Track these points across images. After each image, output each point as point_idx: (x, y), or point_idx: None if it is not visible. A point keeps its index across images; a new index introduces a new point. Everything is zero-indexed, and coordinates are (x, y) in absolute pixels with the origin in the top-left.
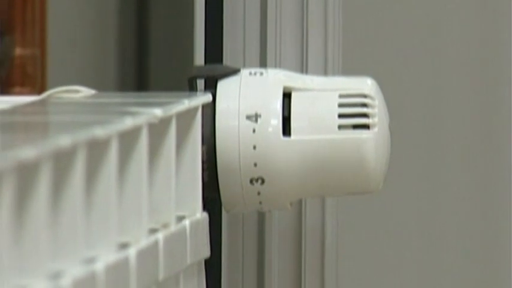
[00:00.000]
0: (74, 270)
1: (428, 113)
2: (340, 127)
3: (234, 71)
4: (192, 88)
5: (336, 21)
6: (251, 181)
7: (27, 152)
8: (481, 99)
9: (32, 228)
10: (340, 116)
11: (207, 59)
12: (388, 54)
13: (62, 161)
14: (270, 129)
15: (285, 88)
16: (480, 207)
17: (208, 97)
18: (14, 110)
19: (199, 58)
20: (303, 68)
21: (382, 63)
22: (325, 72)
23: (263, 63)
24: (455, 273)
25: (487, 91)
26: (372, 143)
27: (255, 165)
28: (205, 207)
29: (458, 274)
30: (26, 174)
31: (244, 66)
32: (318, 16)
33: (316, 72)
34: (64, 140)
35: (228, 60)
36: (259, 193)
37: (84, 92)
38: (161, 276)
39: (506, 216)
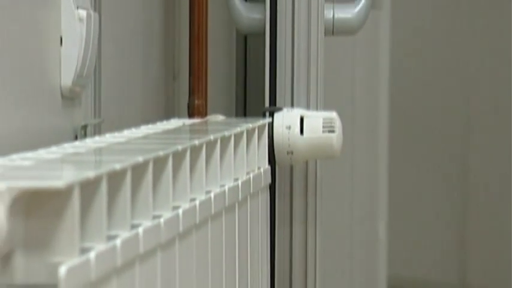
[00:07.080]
0: (186, 206)
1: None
2: (323, 131)
3: (280, 109)
4: (264, 116)
5: (320, 88)
6: (287, 153)
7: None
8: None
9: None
10: (323, 127)
11: (270, 103)
12: (345, 100)
13: (210, 148)
14: (295, 132)
15: (301, 115)
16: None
17: (270, 120)
18: (194, 124)
19: (267, 102)
20: (308, 107)
21: (340, 104)
22: (317, 109)
23: (292, 105)
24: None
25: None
26: (335, 138)
27: (289, 146)
28: (269, 163)
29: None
30: (158, 165)
31: (284, 106)
32: (313, 86)
33: (313, 109)
34: (212, 135)
35: (278, 103)
36: (290, 158)
37: (221, 117)
38: (252, 191)
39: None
